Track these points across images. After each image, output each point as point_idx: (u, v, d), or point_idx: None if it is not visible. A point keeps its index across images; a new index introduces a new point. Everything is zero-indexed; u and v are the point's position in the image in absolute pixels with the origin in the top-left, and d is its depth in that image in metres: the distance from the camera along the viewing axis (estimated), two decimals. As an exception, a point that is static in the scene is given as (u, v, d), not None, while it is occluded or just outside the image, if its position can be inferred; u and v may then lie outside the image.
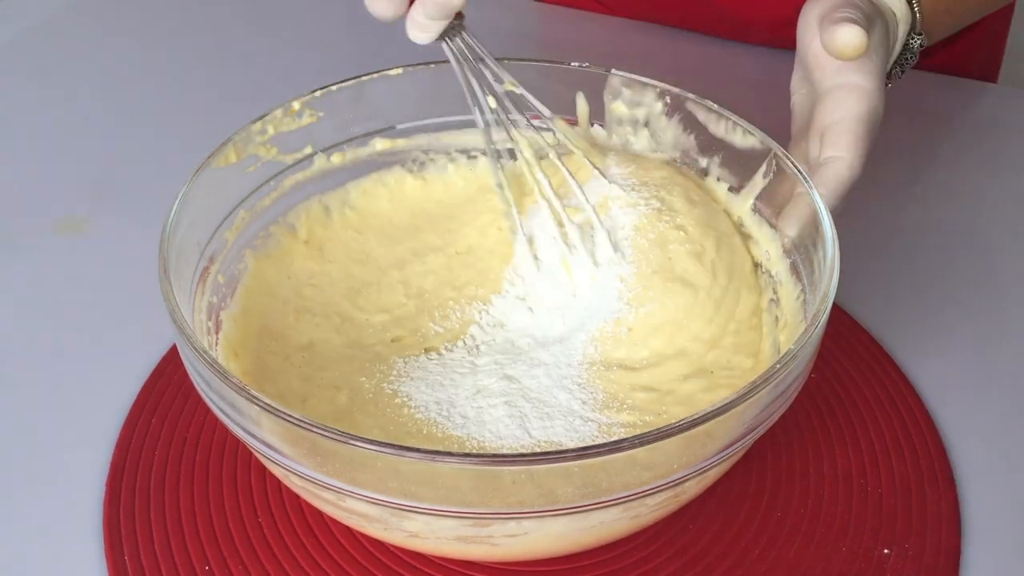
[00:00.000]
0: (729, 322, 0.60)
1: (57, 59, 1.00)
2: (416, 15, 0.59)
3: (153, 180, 0.82)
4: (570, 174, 0.62)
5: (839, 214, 0.63)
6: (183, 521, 0.58)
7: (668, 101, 0.66)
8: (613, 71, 0.67)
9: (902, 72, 0.71)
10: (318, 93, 0.65)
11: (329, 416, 0.56)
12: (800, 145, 0.65)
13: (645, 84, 0.66)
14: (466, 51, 0.61)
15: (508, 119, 0.62)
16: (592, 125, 0.69)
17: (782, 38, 0.97)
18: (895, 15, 0.68)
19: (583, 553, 0.56)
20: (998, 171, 0.87)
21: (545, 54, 0.63)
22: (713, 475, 0.51)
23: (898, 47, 0.69)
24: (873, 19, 0.64)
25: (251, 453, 0.60)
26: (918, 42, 0.70)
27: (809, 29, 0.65)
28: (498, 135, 0.64)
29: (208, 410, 0.51)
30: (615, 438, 0.54)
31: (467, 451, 0.54)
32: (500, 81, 0.62)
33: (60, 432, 0.64)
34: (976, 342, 0.71)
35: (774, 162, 0.61)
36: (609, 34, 1.03)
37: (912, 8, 0.68)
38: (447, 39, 0.61)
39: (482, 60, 0.62)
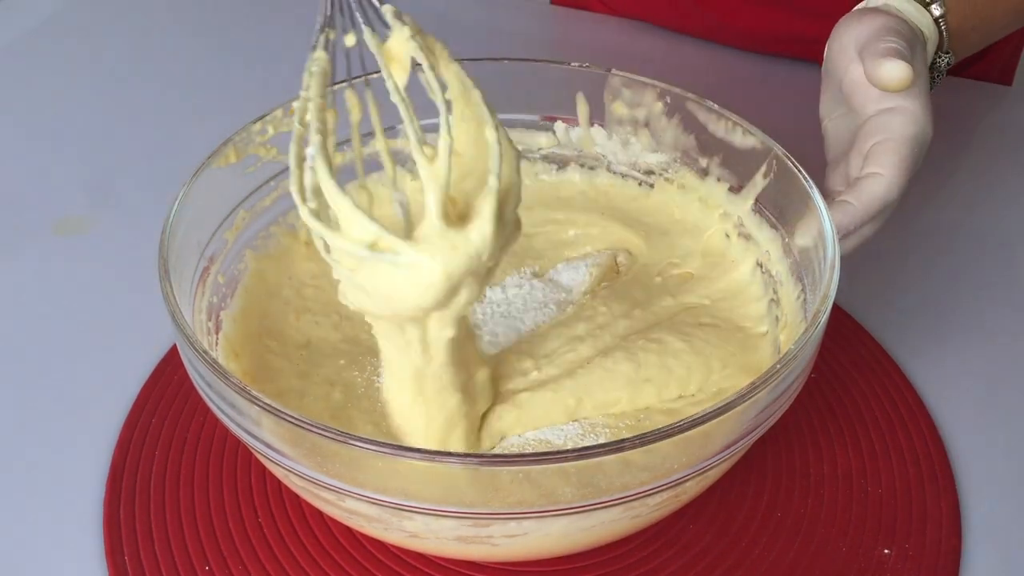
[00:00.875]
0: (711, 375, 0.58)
1: (57, 59, 1.00)
2: None
3: (153, 180, 0.82)
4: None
5: (871, 237, 0.61)
6: (183, 521, 0.58)
7: (668, 101, 0.66)
8: (613, 71, 0.67)
9: (929, 90, 0.70)
10: (318, 93, 0.65)
11: (325, 413, 0.56)
12: (839, 169, 0.63)
13: (645, 84, 0.66)
14: None
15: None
16: (592, 125, 0.69)
17: (780, 50, 0.97)
18: (924, 34, 0.67)
19: (583, 553, 0.56)
20: (1006, 173, 0.87)
21: (550, 54, 0.63)
22: (713, 475, 0.51)
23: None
24: (914, 43, 0.63)
25: (251, 453, 0.60)
26: (945, 60, 0.69)
27: (845, 53, 0.63)
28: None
29: (208, 410, 0.51)
30: (603, 439, 0.54)
31: (468, 452, 0.54)
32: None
33: (60, 432, 0.64)
34: (976, 342, 0.71)
35: (774, 162, 0.61)
36: (615, 35, 1.03)
37: (939, 27, 0.68)
38: None
39: None
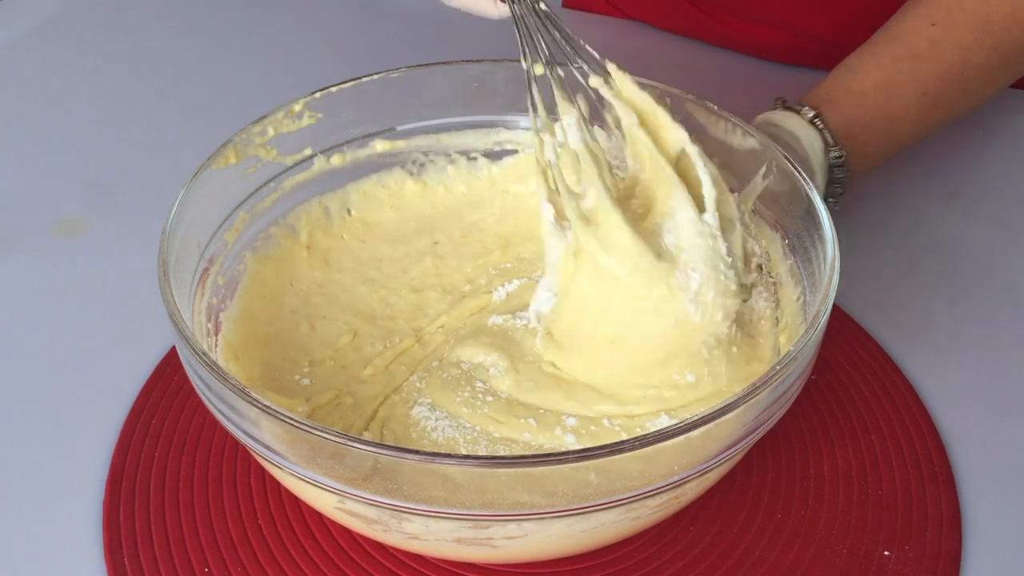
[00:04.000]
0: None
1: (57, 59, 1.00)
2: None
3: (153, 181, 0.82)
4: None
5: None
6: (183, 522, 0.58)
7: (668, 102, 0.66)
8: (613, 72, 0.67)
9: (842, 191, 0.73)
10: (318, 94, 0.65)
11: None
12: None
13: (645, 85, 0.66)
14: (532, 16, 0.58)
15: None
16: (592, 126, 0.69)
17: (781, 58, 0.98)
18: (802, 144, 0.70)
19: (584, 555, 0.56)
20: (1002, 175, 0.87)
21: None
22: (714, 476, 0.51)
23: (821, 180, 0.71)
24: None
25: (251, 455, 0.60)
26: (835, 154, 0.71)
27: None
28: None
29: (208, 411, 0.51)
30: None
31: (466, 453, 0.54)
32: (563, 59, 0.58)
33: (60, 433, 0.64)
34: (976, 343, 0.71)
35: (773, 164, 0.61)
36: (624, 37, 1.03)
37: (817, 128, 0.71)
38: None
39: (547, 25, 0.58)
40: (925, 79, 0.74)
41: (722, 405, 0.46)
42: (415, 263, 0.68)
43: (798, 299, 0.59)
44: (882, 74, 0.74)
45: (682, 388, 0.56)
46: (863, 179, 0.76)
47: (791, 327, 0.58)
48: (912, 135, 0.77)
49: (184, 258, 0.56)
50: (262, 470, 0.61)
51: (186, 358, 0.50)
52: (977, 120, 0.92)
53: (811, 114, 0.71)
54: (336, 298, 0.65)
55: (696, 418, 0.45)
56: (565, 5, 1.11)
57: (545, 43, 0.58)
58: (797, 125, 0.71)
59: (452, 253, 0.69)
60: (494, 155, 0.71)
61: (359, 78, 0.66)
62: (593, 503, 0.46)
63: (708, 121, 0.65)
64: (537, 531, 0.48)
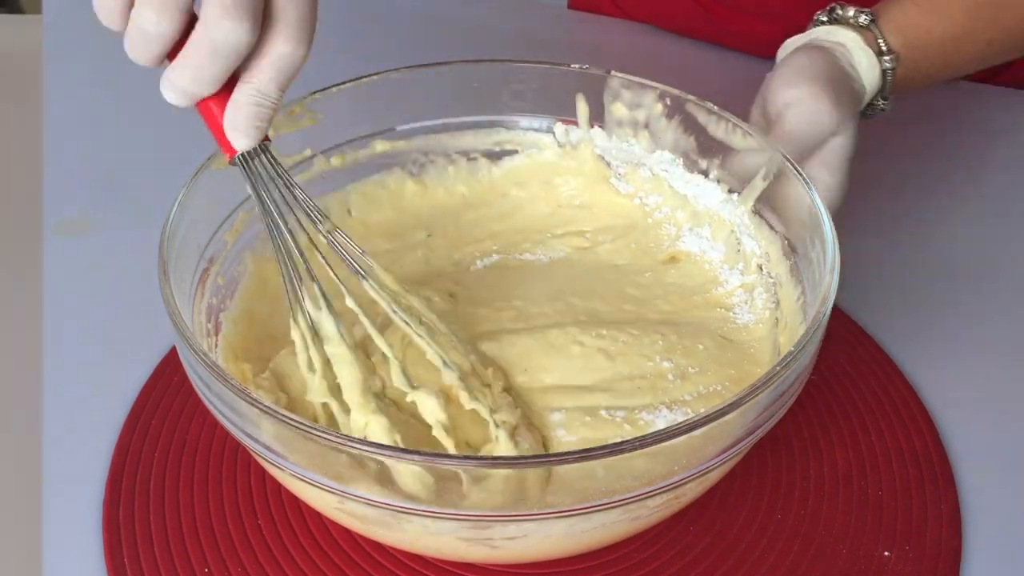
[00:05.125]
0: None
1: (57, 59, 1.00)
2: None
3: (153, 181, 0.82)
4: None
5: None
6: (183, 523, 0.58)
7: (668, 103, 0.66)
8: (613, 72, 0.67)
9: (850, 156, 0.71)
10: (317, 95, 0.65)
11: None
12: None
13: (644, 85, 0.66)
14: (267, 172, 0.53)
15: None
16: (592, 127, 0.69)
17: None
18: (864, 87, 0.68)
19: (584, 555, 0.56)
20: (1003, 175, 0.87)
21: (562, 57, 0.63)
22: (714, 477, 0.51)
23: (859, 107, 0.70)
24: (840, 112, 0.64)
25: (251, 455, 0.60)
26: (881, 105, 0.71)
27: (774, 96, 0.66)
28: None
29: (208, 412, 0.51)
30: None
31: (466, 454, 0.54)
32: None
33: (60, 433, 0.64)
34: (976, 343, 0.71)
35: (774, 164, 0.61)
36: (627, 38, 1.03)
37: (885, 78, 0.69)
38: (247, 158, 0.52)
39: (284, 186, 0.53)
40: None
41: (723, 405, 0.46)
42: (407, 253, 0.68)
43: (798, 299, 0.59)
44: None
45: (668, 378, 0.57)
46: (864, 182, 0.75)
47: (791, 327, 0.58)
48: (935, 84, 0.74)
49: (184, 258, 0.56)
50: (262, 470, 0.61)
51: (186, 358, 0.50)
52: (978, 120, 0.92)
53: (889, 65, 0.69)
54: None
55: (697, 418, 0.45)
56: (570, 7, 1.11)
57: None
58: (867, 69, 0.69)
59: (444, 244, 0.69)
60: (494, 155, 0.71)
61: (359, 78, 0.66)
62: (593, 503, 0.46)
63: (708, 121, 0.65)
64: (537, 531, 0.48)
